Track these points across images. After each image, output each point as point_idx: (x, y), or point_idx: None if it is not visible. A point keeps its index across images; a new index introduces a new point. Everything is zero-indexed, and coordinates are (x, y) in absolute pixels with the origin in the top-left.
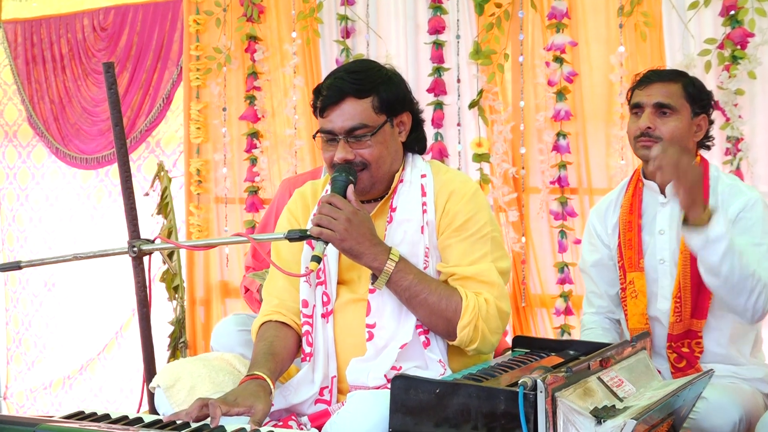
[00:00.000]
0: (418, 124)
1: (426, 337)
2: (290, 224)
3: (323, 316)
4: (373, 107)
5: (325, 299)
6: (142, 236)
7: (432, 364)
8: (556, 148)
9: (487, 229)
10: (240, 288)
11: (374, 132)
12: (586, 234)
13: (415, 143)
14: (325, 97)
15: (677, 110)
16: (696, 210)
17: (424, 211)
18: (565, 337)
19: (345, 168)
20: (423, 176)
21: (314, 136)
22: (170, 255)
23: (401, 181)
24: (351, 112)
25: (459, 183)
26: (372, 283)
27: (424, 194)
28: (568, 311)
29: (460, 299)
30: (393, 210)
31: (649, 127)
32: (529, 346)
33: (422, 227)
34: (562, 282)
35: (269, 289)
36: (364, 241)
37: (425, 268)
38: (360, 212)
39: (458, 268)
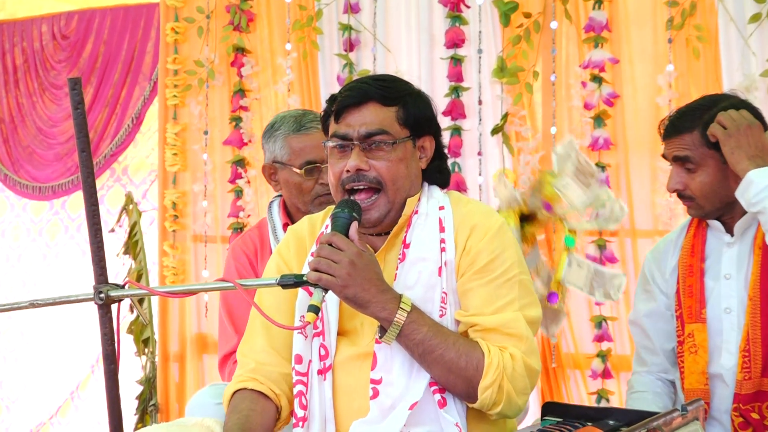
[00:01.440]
0: (440, 153)
1: (442, 396)
2: (280, 270)
3: (320, 372)
4: (398, 118)
5: (323, 353)
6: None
7: (448, 428)
8: None
9: (515, 271)
10: (221, 372)
11: (395, 142)
12: (640, 280)
13: (436, 174)
14: (345, 98)
15: (699, 163)
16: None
17: (443, 249)
18: (603, 404)
19: (348, 203)
20: (441, 208)
21: (324, 143)
22: (140, 302)
23: (416, 212)
24: (373, 116)
25: (481, 216)
26: (379, 336)
27: (442, 229)
28: (606, 374)
29: (482, 355)
30: (406, 246)
31: (677, 189)
32: (562, 414)
33: (440, 268)
34: (599, 339)
35: (245, 349)
36: (370, 288)
37: (442, 316)
38: (365, 254)
39: (480, 318)
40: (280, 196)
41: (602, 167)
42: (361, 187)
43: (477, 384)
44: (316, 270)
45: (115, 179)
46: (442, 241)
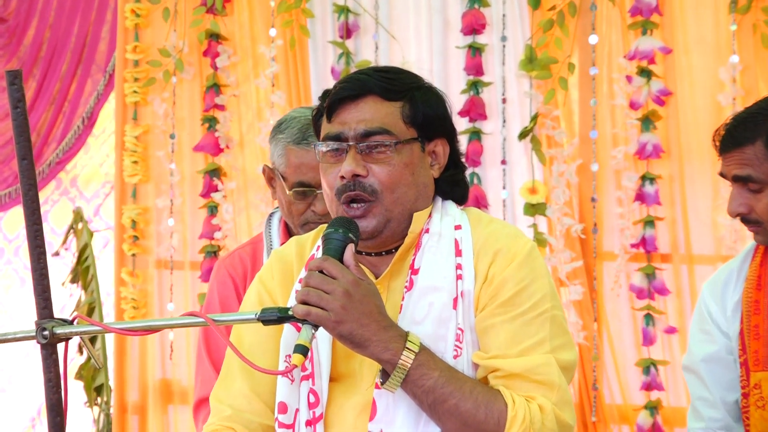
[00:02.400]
0: (456, 161)
1: None
2: (261, 302)
3: (309, 423)
4: (403, 115)
5: (312, 400)
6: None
7: None
8: (641, 197)
9: (546, 305)
10: (196, 419)
11: (398, 142)
12: (696, 318)
13: (451, 186)
14: (340, 90)
15: (766, 182)
16: None
17: (459, 277)
18: None
19: (343, 222)
20: (457, 228)
21: (314, 146)
22: (90, 342)
23: (426, 230)
24: (372, 111)
25: (507, 239)
26: (381, 382)
27: (458, 253)
28: (656, 430)
29: (504, 407)
30: (414, 272)
31: (740, 213)
32: None
33: (455, 299)
34: (647, 388)
35: (220, 393)
36: (370, 323)
37: (456, 357)
38: (363, 282)
39: (503, 361)
40: None
41: (651, 179)
42: (357, 198)
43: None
44: (304, 303)
45: (61, 192)
46: (459, 267)
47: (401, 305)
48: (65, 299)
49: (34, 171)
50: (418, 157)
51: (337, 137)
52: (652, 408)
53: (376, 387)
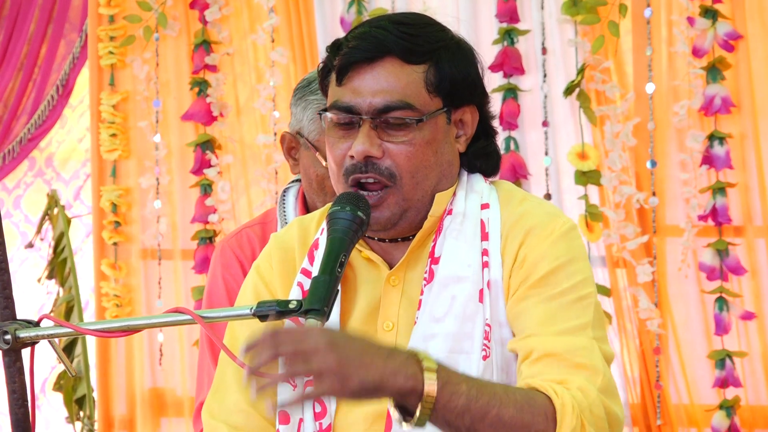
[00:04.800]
0: (486, 129)
1: None
2: (257, 295)
3: None
4: (427, 83)
5: (319, 410)
6: (21, 316)
7: None
8: (709, 160)
9: (589, 288)
10: (195, 425)
11: (421, 120)
12: None
13: (480, 158)
14: (351, 50)
15: None
16: None
17: (485, 265)
18: None
19: (351, 198)
20: (485, 207)
21: (320, 114)
22: (69, 347)
23: (449, 212)
24: (391, 79)
25: (543, 216)
26: (402, 420)
27: (485, 237)
28: (733, 431)
29: (547, 400)
30: (435, 261)
31: None
32: None
33: (481, 291)
34: (722, 384)
35: (213, 406)
36: (373, 360)
37: (485, 358)
38: (334, 331)
39: (537, 339)
40: (299, 181)
41: (720, 139)
42: (371, 180)
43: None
44: (294, 374)
45: (36, 173)
46: (485, 253)
47: (420, 300)
48: (43, 298)
49: None
50: (443, 131)
51: (350, 109)
52: (729, 408)
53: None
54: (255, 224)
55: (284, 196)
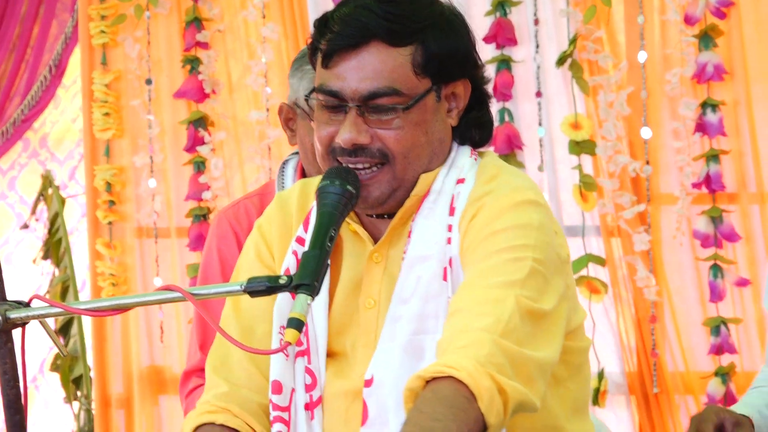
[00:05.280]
0: (480, 99)
1: None
2: (259, 257)
3: (307, 407)
4: (414, 65)
5: (309, 381)
6: (18, 298)
7: None
8: (702, 127)
9: (527, 253)
10: (181, 392)
11: (409, 106)
12: None
13: (471, 128)
14: (336, 35)
15: None
16: None
17: (448, 241)
18: None
19: (340, 173)
20: (460, 182)
21: (307, 98)
22: (65, 328)
23: (429, 192)
24: (376, 65)
25: (504, 190)
26: None
27: (452, 212)
28: (729, 398)
29: (454, 383)
30: (409, 240)
31: None
32: None
33: (445, 270)
34: (717, 351)
35: (215, 362)
36: None
37: None
38: None
39: (459, 295)
40: (298, 153)
41: (713, 106)
42: (360, 165)
43: (481, 413)
44: None
45: (30, 154)
46: (449, 228)
47: (396, 282)
48: (41, 280)
49: None
50: (432, 110)
51: (335, 94)
52: (724, 374)
53: (366, 384)
54: (253, 196)
55: (283, 168)
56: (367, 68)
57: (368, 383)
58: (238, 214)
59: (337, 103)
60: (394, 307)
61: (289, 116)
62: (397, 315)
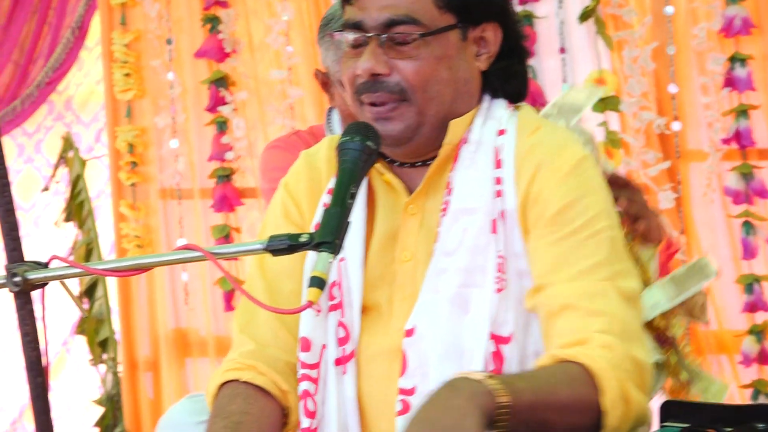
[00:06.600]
0: (513, 47)
1: None
2: (286, 215)
3: (338, 362)
4: None
5: (342, 335)
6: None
7: None
8: (731, 82)
9: (602, 223)
10: None
11: (427, 34)
12: None
13: (505, 80)
14: None
15: None
16: None
17: (498, 194)
18: (762, 400)
19: (360, 128)
20: (501, 133)
21: (325, 35)
22: (90, 291)
23: (465, 140)
24: None
25: (552, 148)
26: None
27: (498, 164)
28: (763, 357)
29: (582, 369)
30: (449, 191)
31: None
32: (689, 417)
33: (494, 222)
34: (751, 309)
35: (242, 321)
36: (456, 417)
37: (500, 291)
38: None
39: (553, 290)
40: None
41: (742, 60)
42: (380, 100)
43: (599, 408)
44: None
45: (55, 117)
46: (498, 181)
47: (437, 233)
48: (64, 242)
49: None
50: (456, 48)
51: (357, 26)
52: (758, 333)
53: (407, 333)
54: (307, 132)
55: (330, 114)
56: None
57: (409, 333)
58: (289, 142)
59: (359, 39)
60: (438, 260)
61: (325, 81)
62: (442, 267)
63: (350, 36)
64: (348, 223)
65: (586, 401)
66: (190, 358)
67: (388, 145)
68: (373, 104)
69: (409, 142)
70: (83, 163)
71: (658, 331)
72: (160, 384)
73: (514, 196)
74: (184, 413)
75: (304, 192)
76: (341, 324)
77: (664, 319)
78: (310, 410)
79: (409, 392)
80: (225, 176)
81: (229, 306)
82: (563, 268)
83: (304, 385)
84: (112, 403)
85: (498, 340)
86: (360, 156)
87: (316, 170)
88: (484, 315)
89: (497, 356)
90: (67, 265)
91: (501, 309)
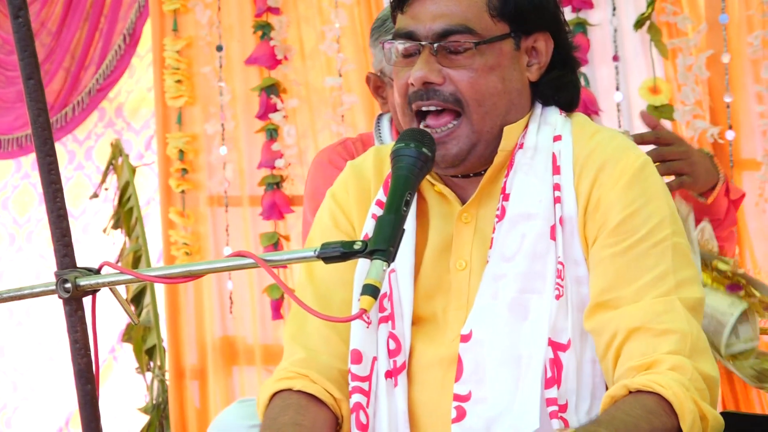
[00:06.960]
0: (564, 58)
1: (562, 418)
2: (336, 225)
3: (389, 374)
4: (490, 6)
5: (393, 347)
6: (84, 265)
7: None
8: None
9: (666, 230)
10: None
11: (481, 43)
12: None
13: (556, 90)
14: None
15: None
16: None
17: (557, 200)
18: None
19: (414, 135)
20: (557, 139)
21: (383, 44)
22: (137, 298)
23: (520, 146)
24: (450, 4)
25: (614, 152)
26: None
27: (556, 171)
28: None
29: (656, 397)
30: (505, 197)
31: None
32: (741, 427)
33: (553, 228)
34: None
35: (293, 330)
36: None
37: (558, 297)
38: None
39: (618, 314)
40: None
41: None
42: (432, 108)
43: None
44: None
45: (106, 124)
46: (557, 187)
47: (492, 238)
48: (111, 250)
49: (43, 91)
50: (510, 58)
51: (409, 35)
52: None
53: (463, 339)
54: (356, 140)
55: (378, 121)
56: (441, 7)
57: (465, 338)
58: (340, 150)
59: (412, 48)
60: (496, 265)
61: (378, 84)
62: (500, 273)
63: (402, 45)
64: (402, 231)
65: (668, 431)
66: (237, 366)
67: (442, 169)
68: (422, 117)
69: (463, 163)
70: (133, 170)
71: (729, 280)
72: (206, 392)
73: (574, 203)
74: (236, 417)
75: (353, 201)
76: (392, 336)
77: (725, 264)
78: (363, 423)
79: (465, 398)
80: (275, 183)
81: (276, 314)
82: (628, 283)
83: (356, 398)
84: (158, 411)
85: (556, 347)
86: (415, 163)
87: (365, 180)
88: (543, 321)
89: (555, 363)
90: (118, 272)
91: (560, 316)
